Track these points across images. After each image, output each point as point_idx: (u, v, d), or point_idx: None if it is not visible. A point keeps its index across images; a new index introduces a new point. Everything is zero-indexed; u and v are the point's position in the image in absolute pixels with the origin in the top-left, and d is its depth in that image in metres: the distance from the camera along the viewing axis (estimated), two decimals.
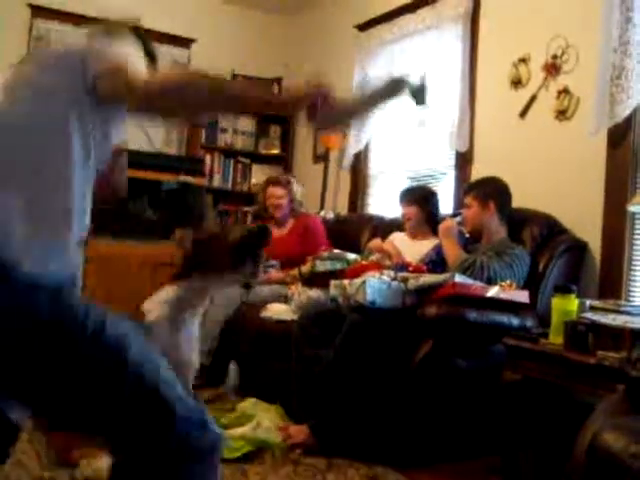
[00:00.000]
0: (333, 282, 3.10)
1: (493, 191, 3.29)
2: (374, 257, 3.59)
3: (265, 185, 4.47)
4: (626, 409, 1.75)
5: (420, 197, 3.75)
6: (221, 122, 5.60)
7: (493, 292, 2.83)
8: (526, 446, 2.55)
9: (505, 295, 2.84)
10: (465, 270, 3.03)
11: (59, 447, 2.57)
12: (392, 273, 3.02)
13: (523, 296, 2.89)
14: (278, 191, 4.31)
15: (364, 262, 3.52)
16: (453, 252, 3.25)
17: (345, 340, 2.86)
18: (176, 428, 1.26)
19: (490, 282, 2.93)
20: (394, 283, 2.92)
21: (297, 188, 4.39)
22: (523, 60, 3.71)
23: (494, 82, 3.90)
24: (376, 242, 3.76)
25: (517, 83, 3.74)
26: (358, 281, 2.91)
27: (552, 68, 3.54)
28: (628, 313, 2.49)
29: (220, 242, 1.85)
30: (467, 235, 3.39)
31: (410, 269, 3.13)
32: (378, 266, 3.29)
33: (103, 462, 2.22)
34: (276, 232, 4.38)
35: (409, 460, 2.72)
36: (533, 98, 3.64)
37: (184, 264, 1.86)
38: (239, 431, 2.75)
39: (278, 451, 2.72)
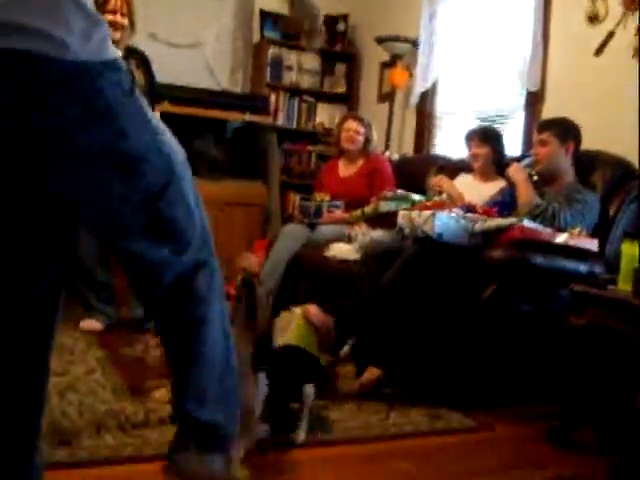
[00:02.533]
0: (401, 212, 3.10)
1: (573, 131, 3.20)
2: (438, 198, 3.55)
3: (345, 118, 4.48)
4: None
5: (491, 137, 3.68)
6: (286, 60, 5.55)
7: (561, 239, 2.79)
8: (589, 392, 2.53)
9: (574, 242, 2.80)
10: (535, 217, 2.98)
11: (132, 378, 2.69)
12: (460, 212, 3.00)
13: (592, 244, 2.84)
14: (358, 126, 4.31)
15: (428, 203, 3.49)
16: (526, 193, 3.19)
17: (406, 265, 2.87)
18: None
19: (560, 230, 2.88)
20: (462, 220, 2.91)
21: (375, 134, 4.38)
22: None
23: (569, 17, 3.74)
24: (439, 178, 3.70)
25: (594, 18, 3.58)
26: (427, 213, 2.91)
27: (631, 2, 3.36)
28: None
29: None
30: (535, 178, 3.31)
31: (480, 211, 3.09)
32: (443, 206, 3.26)
33: None
34: (344, 171, 4.39)
35: (471, 402, 2.75)
36: (610, 35, 3.48)
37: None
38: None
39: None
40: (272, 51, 5.49)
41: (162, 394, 2.42)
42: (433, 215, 2.86)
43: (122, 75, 1.28)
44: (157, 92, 3.63)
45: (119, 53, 1.31)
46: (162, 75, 3.92)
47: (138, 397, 2.50)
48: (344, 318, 2.86)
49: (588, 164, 3.24)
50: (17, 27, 1.15)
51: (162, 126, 1.39)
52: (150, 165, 1.32)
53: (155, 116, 1.38)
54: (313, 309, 2.75)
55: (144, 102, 1.34)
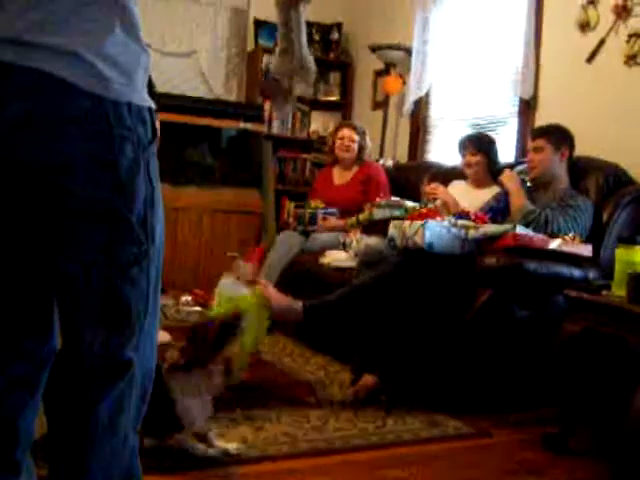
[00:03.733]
0: (393, 222, 3.11)
1: (567, 137, 3.22)
2: (432, 205, 3.56)
3: (340, 126, 4.50)
4: None
5: (485, 145, 3.69)
6: None
7: (555, 245, 2.80)
8: (585, 398, 2.54)
9: (567, 248, 2.81)
10: (529, 224, 3.00)
11: None
12: (453, 219, 3.01)
13: (586, 250, 2.85)
14: (352, 134, 4.33)
15: (423, 210, 3.50)
16: (519, 200, 3.20)
17: (382, 276, 2.89)
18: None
19: (553, 236, 2.89)
20: (454, 229, 2.92)
21: (369, 141, 4.40)
22: (592, 2, 3.56)
23: (561, 25, 3.77)
24: (433, 186, 3.70)
25: (585, 26, 3.60)
26: (418, 223, 2.92)
27: (623, 10, 3.39)
28: None
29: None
30: (528, 184, 3.33)
31: (472, 218, 3.11)
32: (437, 214, 3.27)
33: None
34: (338, 178, 4.41)
35: (468, 408, 2.75)
36: (602, 42, 3.51)
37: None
38: None
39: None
40: (266, 59, 5.49)
41: None
42: (423, 225, 2.87)
43: (145, 127, 1.17)
44: (157, 102, 3.63)
45: (151, 103, 1.22)
46: (156, 84, 3.92)
47: None
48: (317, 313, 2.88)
49: (581, 170, 3.26)
50: (54, 50, 1.06)
51: (159, 194, 1.24)
52: (132, 233, 1.17)
53: (158, 180, 1.24)
54: (274, 294, 2.79)
55: (154, 159, 1.22)
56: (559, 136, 3.22)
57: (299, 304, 2.86)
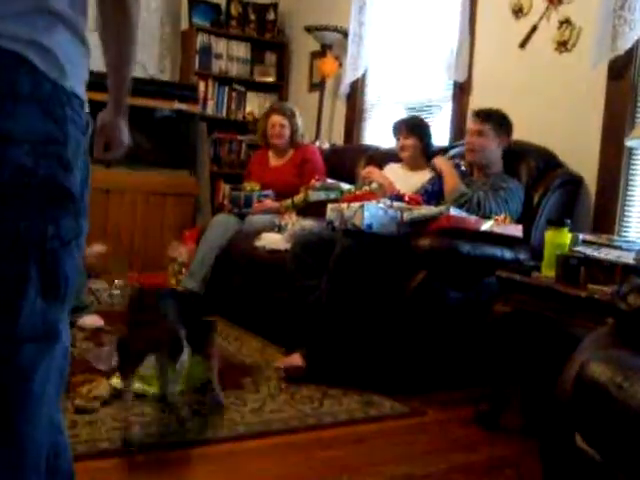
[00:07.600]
0: (330, 205, 3.11)
1: (508, 126, 3.26)
2: (368, 187, 3.58)
3: (269, 112, 4.43)
4: (614, 342, 1.78)
5: (419, 128, 3.72)
6: (215, 48, 5.47)
7: (487, 226, 2.85)
8: (515, 377, 2.61)
9: (499, 229, 2.87)
10: (461, 206, 3.04)
11: None
12: (388, 201, 3.03)
13: (517, 230, 2.92)
14: (282, 120, 4.28)
15: (358, 192, 3.52)
16: (453, 181, 3.25)
17: (338, 263, 2.89)
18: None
19: (485, 218, 2.94)
20: (391, 210, 2.94)
21: (300, 120, 4.35)
22: None
23: (495, 10, 3.82)
24: (369, 169, 3.72)
25: (518, 12, 3.66)
26: (356, 205, 2.93)
27: None
28: (620, 248, 2.50)
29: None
30: (463, 168, 3.38)
31: (406, 199, 3.13)
32: (372, 196, 3.29)
33: (103, 388, 2.26)
34: (274, 161, 4.38)
35: (402, 388, 2.79)
36: (534, 28, 3.57)
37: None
38: None
39: None
40: (201, 38, 5.41)
41: (88, 389, 2.37)
42: (362, 207, 2.88)
43: (85, 115, 1.26)
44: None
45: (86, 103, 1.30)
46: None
47: (64, 393, 2.44)
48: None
49: (513, 154, 3.32)
50: (17, 37, 1.14)
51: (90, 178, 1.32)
52: (74, 209, 1.23)
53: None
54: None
55: (88, 144, 1.30)
56: (502, 123, 3.25)
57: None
